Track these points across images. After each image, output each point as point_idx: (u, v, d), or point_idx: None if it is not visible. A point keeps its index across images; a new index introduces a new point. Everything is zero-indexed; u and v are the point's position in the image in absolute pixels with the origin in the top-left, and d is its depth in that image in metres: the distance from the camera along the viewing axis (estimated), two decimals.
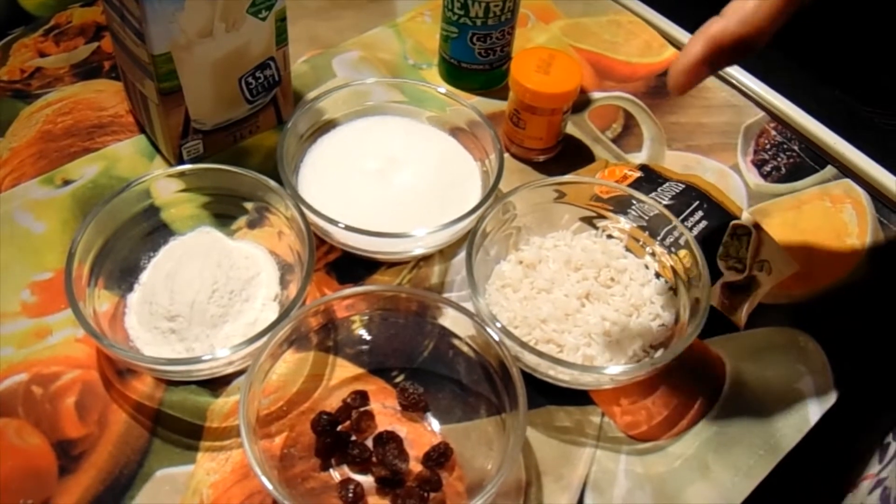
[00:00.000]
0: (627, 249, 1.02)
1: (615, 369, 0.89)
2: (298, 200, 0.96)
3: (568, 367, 0.88)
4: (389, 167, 1.06)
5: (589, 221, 1.05)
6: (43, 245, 1.04)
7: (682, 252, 0.97)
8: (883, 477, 0.92)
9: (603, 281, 0.99)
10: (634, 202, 1.02)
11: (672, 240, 0.99)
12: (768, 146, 1.23)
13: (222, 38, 1.00)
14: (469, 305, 0.91)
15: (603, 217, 1.04)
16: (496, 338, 0.87)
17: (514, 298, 0.97)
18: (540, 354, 0.88)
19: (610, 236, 1.04)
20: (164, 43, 0.96)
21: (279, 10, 1.03)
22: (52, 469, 0.87)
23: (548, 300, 0.96)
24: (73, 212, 1.07)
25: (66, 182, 1.10)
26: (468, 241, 0.94)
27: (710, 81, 1.30)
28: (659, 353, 0.94)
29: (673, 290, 0.99)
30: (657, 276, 1.00)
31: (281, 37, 1.06)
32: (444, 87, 1.15)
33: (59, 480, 0.86)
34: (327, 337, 0.94)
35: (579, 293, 0.97)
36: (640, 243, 1.02)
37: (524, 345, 0.88)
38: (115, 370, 0.93)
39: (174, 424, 0.90)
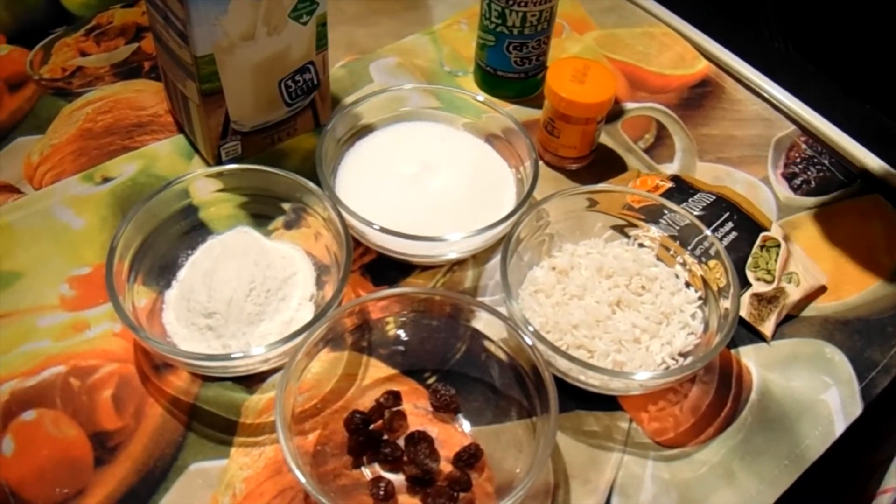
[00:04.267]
0: (658, 259, 1.03)
1: (644, 375, 0.90)
2: (336, 202, 0.98)
3: (598, 371, 0.89)
4: (425, 172, 1.07)
5: (620, 230, 1.06)
6: (82, 240, 1.05)
7: (713, 262, 0.98)
8: None
9: (634, 289, 1.00)
10: (666, 212, 1.02)
11: (702, 250, 1.00)
12: (798, 159, 1.23)
13: (264, 42, 1.02)
14: (502, 309, 0.92)
15: (634, 226, 1.05)
16: (529, 342, 0.88)
17: (546, 304, 0.98)
18: (571, 359, 0.88)
19: (641, 245, 1.04)
20: (207, 45, 0.97)
21: (320, 14, 1.05)
22: (87, 460, 0.88)
23: (579, 306, 0.97)
24: (112, 209, 1.08)
25: (106, 179, 1.11)
26: (503, 246, 0.95)
27: (742, 94, 1.31)
28: (688, 360, 0.95)
29: (703, 299, 1.00)
30: (687, 285, 1.01)
31: (321, 41, 1.08)
32: (482, 95, 1.16)
33: (94, 471, 0.87)
34: (362, 337, 0.95)
35: (610, 300, 0.98)
36: (671, 252, 1.03)
37: (556, 349, 0.89)
38: (152, 365, 0.94)
39: (209, 419, 0.91)
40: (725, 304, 0.95)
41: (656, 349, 0.95)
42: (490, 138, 1.13)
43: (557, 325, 0.95)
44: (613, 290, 0.99)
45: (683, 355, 0.96)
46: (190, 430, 0.91)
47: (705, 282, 1.00)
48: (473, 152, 1.12)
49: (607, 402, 0.95)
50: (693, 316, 0.98)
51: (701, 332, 0.97)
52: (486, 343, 0.93)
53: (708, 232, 1.00)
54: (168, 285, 0.99)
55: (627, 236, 1.06)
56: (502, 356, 0.92)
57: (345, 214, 0.97)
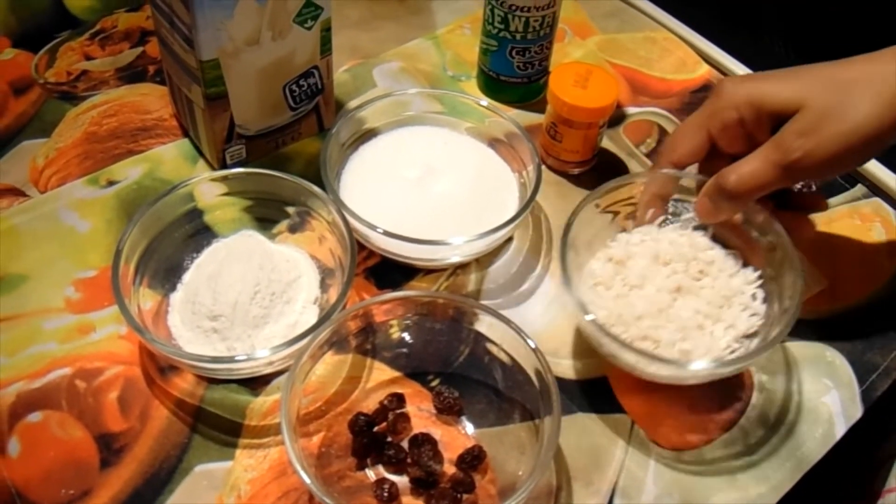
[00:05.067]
0: (714, 240, 1.00)
1: (710, 364, 0.89)
2: (340, 205, 0.98)
3: (667, 363, 0.89)
4: (428, 176, 1.08)
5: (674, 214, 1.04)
6: (87, 243, 1.06)
7: (768, 238, 0.97)
8: None
9: (692, 274, 0.97)
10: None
11: (758, 226, 0.98)
12: None
13: (269, 46, 1.02)
14: (505, 313, 0.92)
15: (688, 208, 1.03)
16: (532, 345, 0.88)
17: (606, 296, 0.96)
18: (639, 353, 0.88)
19: (696, 228, 1.01)
20: (212, 49, 0.98)
21: (324, 20, 1.05)
22: (93, 461, 0.88)
23: (640, 296, 0.95)
24: (118, 212, 1.09)
25: (111, 183, 1.12)
26: (562, 235, 0.95)
27: None
28: (754, 342, 0.93)
29: (763, 278, 0.97)
30: (745, 265, 0.98)
31: (325, 46, 1.08)
32: (485, 100, 1.17)
33: (100, 473, 0.88)
34: (366, 340, 0.96)
35: (670, 287, 0.95)
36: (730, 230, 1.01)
37: (623, 344, 0.88)
38: (157, 367, 0.95)
39: (214, 421, 0.92)
40: (790, 279, 0.93)
41: (720, 333, 0.93)
42: (493, 143, 1.14)
43: (621, 317, 0.93)
44: (672, 277, 0.96)
45: (748, 337, 0.94)
46: (195, 431, 0.91)
47: (765, 259, 0.98)
48: (476, 156, 1.13)
49: (610, 405, 0.96)
50: (754, 297, 0.96)
51: (764, 312, 0.95)
52: (489, 346, 0.94)
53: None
54: (173, 288, 1.00)
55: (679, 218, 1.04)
56: (505, 359, 0.93)
57: (349, 218, 0.98)
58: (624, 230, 1.03)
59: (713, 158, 0.96)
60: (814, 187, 1.02)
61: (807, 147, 0.85)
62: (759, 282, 0.97)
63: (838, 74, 0.87)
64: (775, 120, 0.89)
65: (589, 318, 0.89)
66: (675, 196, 1.02)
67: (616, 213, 1.02)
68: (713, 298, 0.95)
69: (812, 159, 0.85)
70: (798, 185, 1.00)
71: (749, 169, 0.88)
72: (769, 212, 0.95)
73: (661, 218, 1.01)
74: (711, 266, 0.97)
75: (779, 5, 1.41)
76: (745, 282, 0.97)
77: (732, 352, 0.92)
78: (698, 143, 0.96)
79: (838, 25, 1.35)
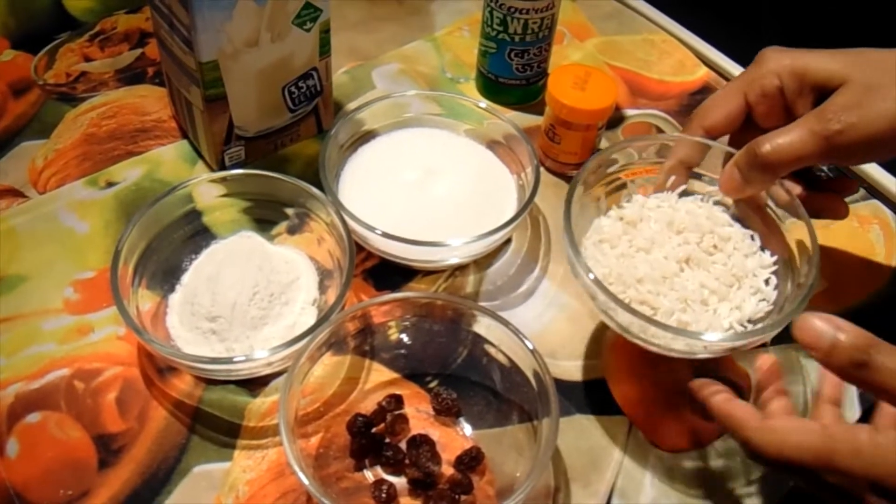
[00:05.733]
0: (735, 218, 0.96)
1: (712, 336, 0.84)
2: (339, 207, 0.99)
3: (663, 328, 0.84)
4: (427, 178, 1.08)
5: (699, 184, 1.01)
6: (86, 244, 1.06)
7: (791, 223, 0.93)
8: None
9: (705, 247, 0.93)
10: None
11: (783, 209, 0.95)
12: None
13: (268, 48, 1.03)
14: (503, 314, 0.93)
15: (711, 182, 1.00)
16: (529, 346, 0.88)
17: (610, 254, 0.93)
18: (634, 313, 0.84)
19: (717, 203, 0.97)
20: (211, 51, 0.98)
21: (323, 21, 1.05)
22: (91, 462, 0.88)
23: (646, 260, 0.91)
24: (117, 213, 1.09)
25: (110, 184, 1.12)
26: (568, 192, 0.93)
27: None
28: (759, 326, 0.88)
29: (779, 264, 0.93)
30: (763, 248, 0.94)
31: (324, 48, 1.09)
32: (484, 102, 1.17)
33: (98, 473, 0.88)
34: (364, 341, 0.96)
35: (679, 257, 0.92)
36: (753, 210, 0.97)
37: (619, 301, 0.85)
38: (156, 368, 0.95)
39: (212, 422, 0.92)
40: (805, 269, 0.89)
41: (725, 313, 0.89)
42: (492, 144, 1.14)
43: (621, 277, 0.90)
44: (683, 247, 0.92)
45: (753, 322, 0.89)
46: (193, 432, 0.91)
47: (784, 245, 0.94)
48: (475, 158, 1.13)
49: (608, 407, 0.96)
50: (767, 282, 0.92)
51: (774, 299, 0.91)
52: (488, 347, 0.94)
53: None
54: (172, 289, 1.00)
55: (702, 193, 1.00)
56: (503, 360, 0.93)
57: (347, 219, 0.98)
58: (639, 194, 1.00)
59: (746, 132, 0.93)
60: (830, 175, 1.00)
61: (850, 120, 0.82)
62: (775, 267, 0.93)
63: (886, 56, 0.85)
64: (818, 93, 0.87)
65: (591, 276, 0.86)
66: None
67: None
68: (723, 276, 0.91)
69: (854, 133, 0.82)
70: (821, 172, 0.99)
71: (787, 138, 0.84)
72: (798, 193, 0.93)
73: (682, 187, 0.98)
74: (727, 243, 0.94)
75: (778, 8, 1.42)
76: (759, 264, 0.93)
77: (735, 333, 0.88)
78: (734, 110, 0.93)
79: (838, 28, 1.35)
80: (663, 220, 0.95)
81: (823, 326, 0.72)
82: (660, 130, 1.26)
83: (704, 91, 1.33)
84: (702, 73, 1.36)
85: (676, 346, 0.86)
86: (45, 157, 1.15)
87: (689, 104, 1.31)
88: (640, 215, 0.96)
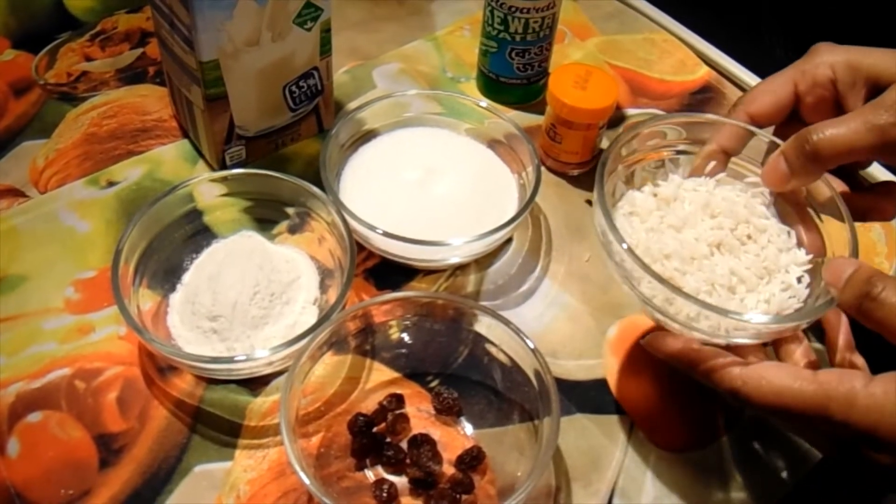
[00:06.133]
0: (774, 212, 0.93)
1: (741, 316, 0.80)
2: (340, 206, 0.99)
3: (687, 298, 0.80)
4: (428, 177, 1.08)
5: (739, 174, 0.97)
6: (87, 244, 1.06)
7: (832, 223, 0.90)
8: None
9: (739, 235, 0.90)
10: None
11: (823, 207, 0.92)
12: None
13: (268, 47, 1.03)
14: (504, 313, 0.93)
15: (753, 173, 0.96)
16: (531, 345, 0.88)
17: (640, 228, 0.90)
18: (661, 280, 0.80)
19: (756, 195, 0.94)
20: (212, 50, 0.98)
21: (324, 21, 1.05)
22: (92, 461, 0.88)
23: (676, 238, 0.88)
24: (117, 212, 1.09)
25: (111, 183, 1.12)
26: (600, 162, 0.90)
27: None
28: (789, 312, 0.84)
29: (812, 264, 0.90)
30: (799, 245, 0.91)
31: (325, 47, 1.09)
32: (485, 101, 1.17)
33: (99, 473, 0.88)
34: (365, 341, 0.96)
35: (711, 240, 0.88)
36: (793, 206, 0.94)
37: (646, 267, 0.81)
38: (157, 367, 0.95)
39: (213, 422, 0.92)
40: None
41: (752, 304, 0.85)
42: (492, 144, 1.14)
43: (648, 250, 0.87)
44: (716, 231, 0.89)
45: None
46: (194, 432, 0.91)
47: (821, 245, 0.91)
48: (476, 158, 1.13)
49: (609, 406, 0.96)
50: (799, 279, 0.88)
51: (805, 298, 0.87)
52: (489, 346, 0.94)
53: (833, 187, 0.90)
54: (173, 289, 1.00)
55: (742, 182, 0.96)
56: (504, 360, 0.93)
57: (348, 219, 0.98)
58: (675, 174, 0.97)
59: (790, 126, 0.90)
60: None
61: None
62: (809, 266, 0.89)
63: None
64: (871, 88, 0.85)
65: (623, 245, 0.83)
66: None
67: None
68: (755, 266, 0.88)
69: None
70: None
71: (841, 128, 0.80)
72: (842, 191, 0.90)
73: (720, 174, 0.94)
74: (762, 234, 0.91)
75: (779, 7, 1.41)
76: (793, 261, 0.90)
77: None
78: (783, 98, 0.91)
79: (839, 27, 1.35)
80: (698, 201, 0.92)
81: (845, 263, 0.75)
82: (661, 130, 1.26)
83: (705, 90, 1.33)
84: (703, 73, 1.36)
85: (700, 325, 0.82)
86: (45, 156, 1.15)
87: (689, 103, 1.31)
88: (675, 195, 0.93)
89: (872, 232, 1.15)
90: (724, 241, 0.88)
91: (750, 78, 1.34)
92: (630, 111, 1.29)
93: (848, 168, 0.92)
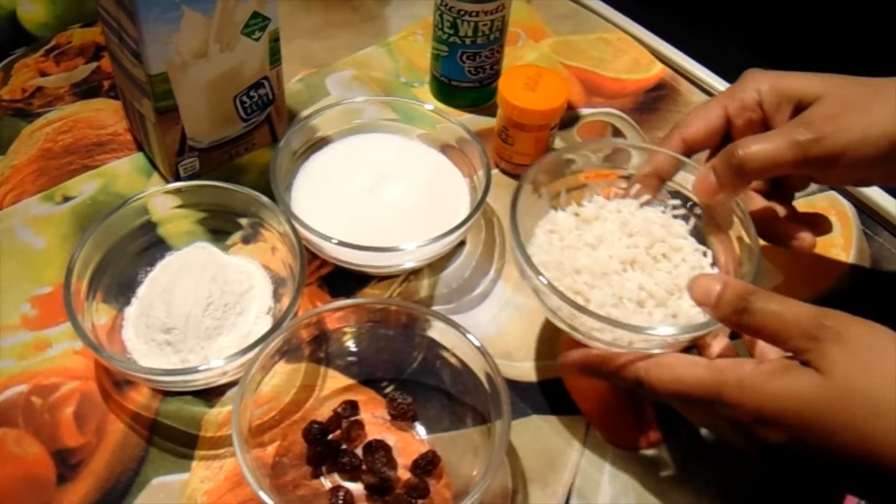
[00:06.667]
0: (694, 233, 0.97)
1: (637, 332, 0.83)
2: (290, 216, 0.99)
3: (589, 315, 0.83)
4: (380, 183, 1.08)
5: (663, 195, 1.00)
6: (43, 260, 1.06)
7: (741, 239, 0.93)
8: None
9: (654, 254, 0.93)
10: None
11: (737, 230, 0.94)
12: None
13: (217, 59, 1.03)
14: (456, 317, 0.94)
15: (679, 196, 0.99)
16: (480, 347, 0.89)
17: (557, 245, 0.93)
18: (563, 298, 0.83)
19: (677, 217, 0.98)
20: (160, 63, 0.98)
21: (272, 30, 1.06)
22: (50, 477, 0.89)
23: (590, 255, 0.92)
24: (73, 228, 1.09)
25: (66, 199, 1.12)
26: (518, 184, 0.93)
27: (697, 96, 1.33)
28: (690, 326, 0.86)
29: None
30: (713, 265, 0.94)
31: (274, 56, 1.09)
32: (431, 104, 1.17)
33: (57, 488, 0.88)
34: (319, 348, 0.96)
35: (625, 257, 0.92)
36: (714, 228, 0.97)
37: (550, 286, 0.84)
38: (113, 381, 0.95)
39: (170, 434, 0.92)
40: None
41: (659, 317, 0.88)
42: (444, 148, 1.14)
43: (560, 265, 0.91)
44: (631, 250, 0.93)
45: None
46: (151, 444, 0.92)
47: (733, 262, 0.94)
48: (428, 162, 1.13)
49: (565, 407, 0.96)
50: None
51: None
52: (441, 351, 0.94)
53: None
54: (128, 302, 1.00)
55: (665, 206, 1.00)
56: (456, 363, 0.93)
57: (299, 228, 0.98)
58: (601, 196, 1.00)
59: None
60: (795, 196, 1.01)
61: (827, 130, 0.84)
62: None
63: (865, 79, 0.88)
64: (795, 108, 0.90)
65: (522, 257, 0.87)
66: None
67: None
68: (665, 283, 0.91)
69: (830, 143, 0.84)
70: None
71: (765, 143, 0.86)
72: (771, 216, 0.96)
73: (646, 197, 0.98)
74: (677, 253, 0.94)
75: (734, 2, 1.42)
76: None
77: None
78: (714, 122, 0.94)
79: (795, 23, 1.36)
80: (617, 221, 0.95)
81: (711, 282, 0.79)
82: (616, 128, 1.27)
83: (660, 88, 1.33)
84: (657, 70, 1.36)
85: (603, 336, 0.85)
86: (1, 173, 1.15)
87: (644, 101, 1.32)
88: (596, 215, 0.97)
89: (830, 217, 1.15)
90: (637, 258, 0.92)
91: (704, 74, 1.35)
92: (584, 111, 1.29)
93: (784, 193, 0.98)
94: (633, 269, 0.92)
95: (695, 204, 0.97)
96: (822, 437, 0.71)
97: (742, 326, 0.77)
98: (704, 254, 0.95)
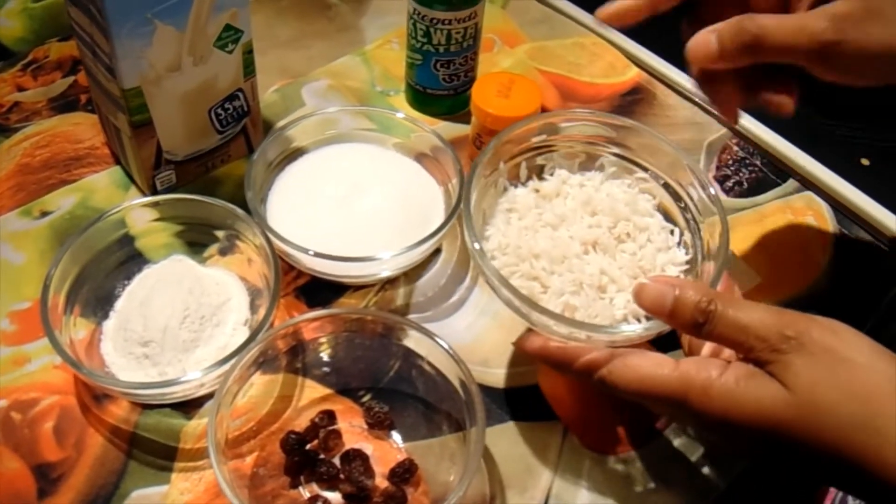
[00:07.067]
0: (659, 210, 0.95)
1: (594, 331, 0.82)
2: (265, 228, 0.99)
3: (542, 313, 0.81)
4: (355, 193, 1.08)
5: (629, 169, 0.98)
6: (21, 275, 1.06)
7: (711, 220, 0.90)
8: None
9: (617, 234, 0.92)
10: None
11: (704, 206, 0.92)
12: (731, 161, 1.24)
13: (190, 72, 1.03)
14: (431, 326, 0.95)
15: (643, 168, 0.97)
16: (452, 354, 0.90)
17: (515, 225, 0.92)
18: (514, 292, 0.82)
19: (643, 191, 0.96)
20: (133, 78, 0.99)
21: (245, 42, 1.06)
22: (31, 492, 0.89)
23: (549, 236, 0.90)
24: (51, 242, 1.09)
25: (44, 213, 1.12)
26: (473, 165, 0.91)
27: (673, 99, 1.33)
28: (650, 322, 0.82)
29: (690, 264, 0.92)
30: (680, 245, 0.93)
31: (248, 68, 1.09)
32: (402, 112, 1.17)
33: (37, 503, 0.88)
34: (296, 359, 0.97)
35: (586, 238, 0.90)
36: (679, 205, 0.95)
37: (501, 279, 0.83)
38: (92, 395, 0.96)
39: (149, 446, 0.93)
40: (709, 267, 0.87)
41: (620, 304, 0.87)
42: (420, 157, 1.14)
43: (518, 250, 0.89)
44: (593, 230, 0.91)
45: (648, 318, 0.83)
46: (131, 457, 0.92)
47: (700, 244, 0.92)
48: (403, 171, 1.14)
49: (542, 412, 0.97)
50: None
51: None
52: (418, 360, 0.95)
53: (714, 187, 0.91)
54: (106, 316, 1.00)
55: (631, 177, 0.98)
56: (432, 371, 0.93)
57: (274, 239, 0.99)
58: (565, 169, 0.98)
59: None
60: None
61: (850, 35, 0.81)
62: (686, 266, 0.92)
63: None
64: None
65: (476, 245, 0.85)
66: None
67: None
68: (629, 266, 0.89)
69: (851, 49, 0.81)
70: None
71: (784, 27, 0.82)
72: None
73: (613, 170, 0.97)
74: (642, 233, 0.93)
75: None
76: (671, 261, 0.92)
77: (627, 324, 0.86)
78: None
79: None
80: (580, 198, 0.94)
81: (664, 288, 0.76)
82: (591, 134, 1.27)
83: (635, 92, 1.34)
84: (633, 74, 1.37)
85: (560, 329, 0.82)
86: None
87: (620, 105, 1.32)
88: (557, 190, 0.95)
89: (806, 225, 1.16)
90: (599, 239, 0.90)
91: (680, 77, 1.35)
92: (577, 111, 1.29)
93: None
94: (595, 252, 0.90)
95: (667, 183, 0.95)
96: (789, 448, 0.71)
97: (701, 336, 0.75)
98: (672, 232, 0.94)
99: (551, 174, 0.97)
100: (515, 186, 0.97)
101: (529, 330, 0.85)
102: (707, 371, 0.73)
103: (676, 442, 0.96)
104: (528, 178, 0.97)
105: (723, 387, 0.72)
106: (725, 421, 0.72)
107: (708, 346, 0.82)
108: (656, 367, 0.76)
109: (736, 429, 0.72)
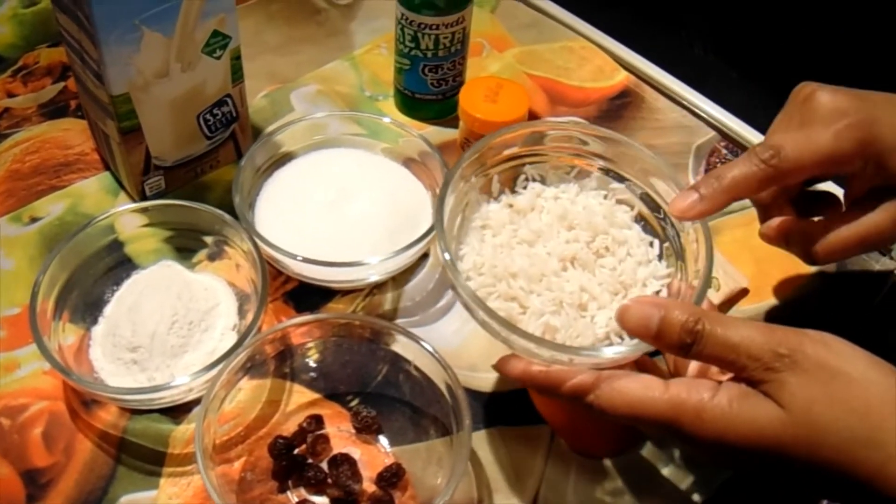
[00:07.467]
0: (638, 220, 0.92)
1: (575, 353, 0.78)
2: (253, 233, 1.00)
3: (522, 336, 0.77)
4: (342, 198, 1.08)
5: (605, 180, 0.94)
6: (11, 281, 1.06)
7: (691, 232, 0.86)
8: None
9: (596, 248, 0.88)
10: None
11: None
12: (719, 164, 1.24)
13: (179, 78, 1.03)
14: (418, 330, 0.95)
15: (623, 179, 0.93)
16: (439, 359, 0.90)
17: (490, 243, 0.87)
18: (491, 314, 0.78)
19: (620, 202, 0.93)
20: (122, 84, 0.99)
21: (234, 48, 1.06)
22: (19, 497, 0.89)
23: (525, 253, 0.86)
24: (41, 248, 1.10)
25: (34, 219, 1.13)
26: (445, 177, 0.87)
27: (662, 102, 1.33)
28: (635, 342, 0.78)
29: (671, 277, 0.88)
30: (661, 258, 0.89)
31: (237, 74, 1.09)
32: (389, 117, 1.18)
33: None
34: (283, 364, 0.97)
35: (564, 254, 0.86)
36: (658, 217, 0.91)
37: (476, 299, 0.79)
38: (81, 401, 0.96)
39: (138, 451, 0.93)
40: (695, 282, 0.83)
41: (602, 322, 0.82)
42: (408, 162, 1.15)
43: (494, 269, 0.84)
44: (571, 245, 0.87)
45: (632, 336, 0.78)
46: (120, 463, 0.92)
47: (681, 256, 0.88)
48: (391, 176, 1.14)
49: (530, 417, 0.96)
50: (658, 294, 0.86)
51: None
52: (405, 365, 0.95)
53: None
54: (95, 322, 1.01)
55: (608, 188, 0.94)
56: (419, 376, 0.94)
57: (261, 245, 0.99)
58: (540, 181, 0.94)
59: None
60: None
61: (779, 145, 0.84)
62: (668, 280, 0.87)
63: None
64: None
65: (447, 257, 0.81)
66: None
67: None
68: (609, 282, 0.85)
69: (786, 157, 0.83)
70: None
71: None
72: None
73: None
74: (621, 247, 0.89)
75: (697, 6, 1.43)
76: (652, 275, 0.87)
77: (610, 345, 0.82)
78: None
79: (758, 26, 1.37)
80: (556, 212, 0.90)
81: (649, 310, 0.74)
82: (581, 139, 1.27)
83: (624, 95, 1.34)
84: (621, 78, 1.37)
85: (540, 352, 0.78)
86: None
87: (608, 109, 1.32)
88: (532, 204, 0.91)
89: None
90: (578, 255, 0.87)
91: (668, 80, 1.35)
92: (549, 120, 1.29)
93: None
94: (573, 268, 0.86)
95: (645, 193, 0.92)
96: (788, 467, 0.70)
97: (690, 356, 0.73)
98: (651, 244, 0.90)
99: (524, 187, 0.94)
100: (488, 202, 0.93)
101: (511, 354, 0.82)
102: (698, 393, 0.72)
103: (667, 446, 0.96)
104: (501, 192, 0.93)
105: (716, 409, 0.71)
106: (720, 443, 0.71)
107: (694, 365, 0.81)
108: (645, 391, 0.74)
109: (731, 450, 0.71)
